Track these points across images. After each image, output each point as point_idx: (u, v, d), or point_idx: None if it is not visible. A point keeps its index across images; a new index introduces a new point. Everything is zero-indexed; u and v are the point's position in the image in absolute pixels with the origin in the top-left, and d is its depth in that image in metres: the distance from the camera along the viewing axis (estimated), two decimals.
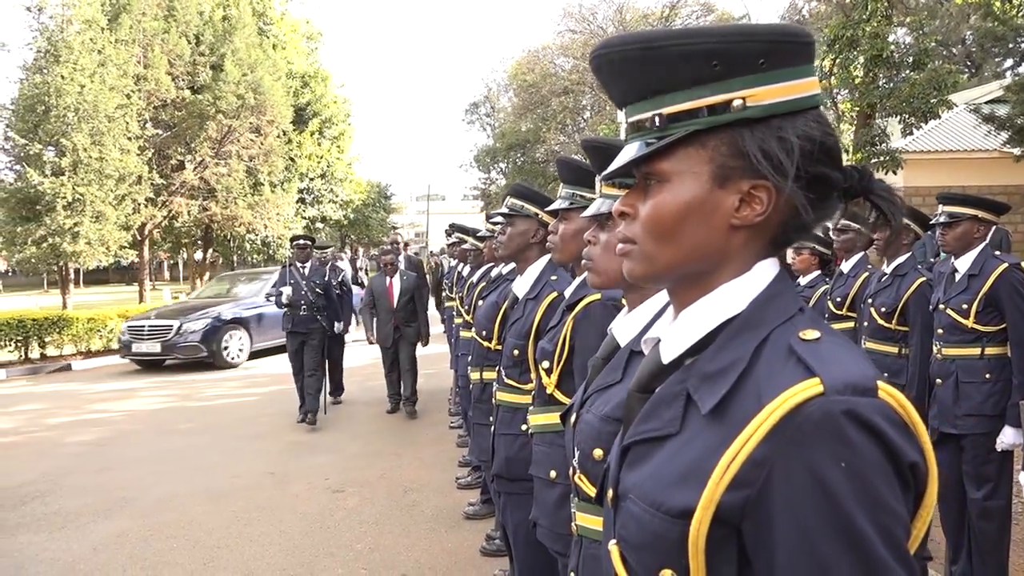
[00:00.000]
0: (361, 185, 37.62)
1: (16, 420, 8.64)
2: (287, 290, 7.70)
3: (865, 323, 3.95)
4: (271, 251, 27.59)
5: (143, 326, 12.09)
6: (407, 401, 8.01)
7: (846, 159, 7.17)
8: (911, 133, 14.34)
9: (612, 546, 0.91)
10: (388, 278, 8.00)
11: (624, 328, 1.41)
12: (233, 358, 12.16)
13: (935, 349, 3.41)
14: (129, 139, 18.75)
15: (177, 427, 8.01)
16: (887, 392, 0.76)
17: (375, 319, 8.04)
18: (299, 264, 7.89)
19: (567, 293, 2.10)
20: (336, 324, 8.22)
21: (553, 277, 2.47)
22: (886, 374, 3.70)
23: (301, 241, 8.09)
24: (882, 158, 12.91)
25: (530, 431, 2.14)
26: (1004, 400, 3.17)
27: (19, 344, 12.59)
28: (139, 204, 19.79)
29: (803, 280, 4.99)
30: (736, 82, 0.85)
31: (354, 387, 9.39)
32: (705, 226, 0.88)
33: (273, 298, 7.98)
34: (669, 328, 0.95)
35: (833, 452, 0.73)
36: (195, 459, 6.70)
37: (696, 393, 0.84)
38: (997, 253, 3.38)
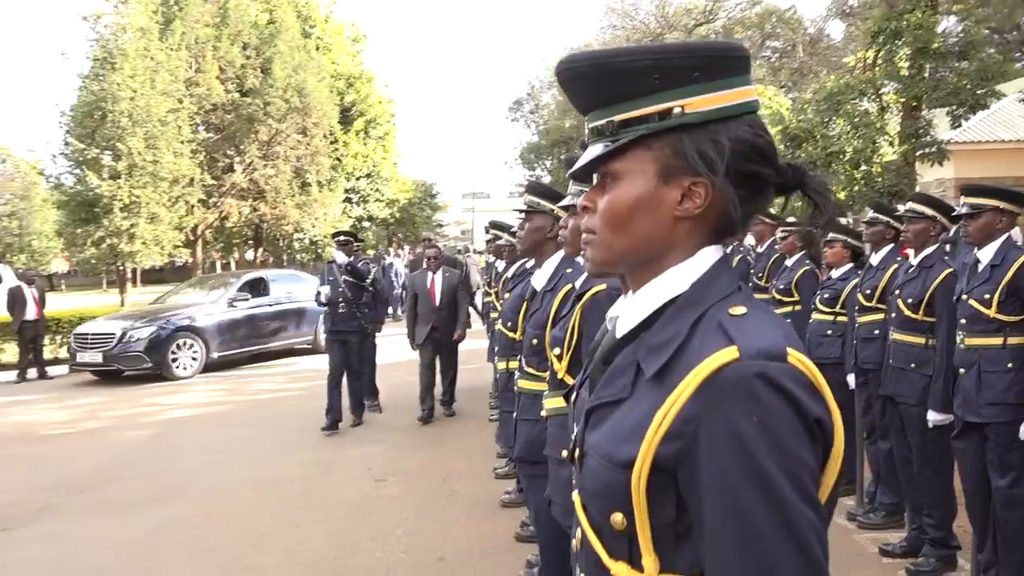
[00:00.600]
0: (407, 184, 38.04)
1: (76, 413, 9.04)
2: (325, 289, 7.49)
3: (893, 314, 3.98)
4: (319, 250, 28.10)
5: (87, 333, 11.12)
6: (444, 403, 7.78)
7: (891, 151, 7.19)
8: (959, 125, 14.07)
9: (575, 496, 1.04)
10: (431, 274, 7.71)
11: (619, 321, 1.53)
12: (183, 370, 11.03)
13: (959, 339, 3.44)
14: (181, 142, 19.32)
15: (226, 420, 8.32)
16: (796, 358, 0.87)
17: (417, 318, 7.71)
18: (339, 261, 7.63)
19: (578, 284, 2.22)
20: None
21: (568, 270, 2.58)
22: (913, 364, 3.76)
23: (342, 237, 7.84)
24: (928, 150, 12.69)
25: (545, 414, 2.27)
26: None
27: None
28: (192, 205, 20.38)
29: (835, 273, 5.02)
30: (675, 93, 0.97)
31: (399, 382, 9.54)
32: (653, 217, 1.00)
33: (321, 297, 7.65)
34: (625, 307, 1.07)
35: (747, 408, 0.84)
36: (243, 450, 6.97)
37: (643, 362, 0.96)
38: (1019, 243, 3.40)
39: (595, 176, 1.08)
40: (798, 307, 5.48)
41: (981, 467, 3.40)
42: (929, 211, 3.84)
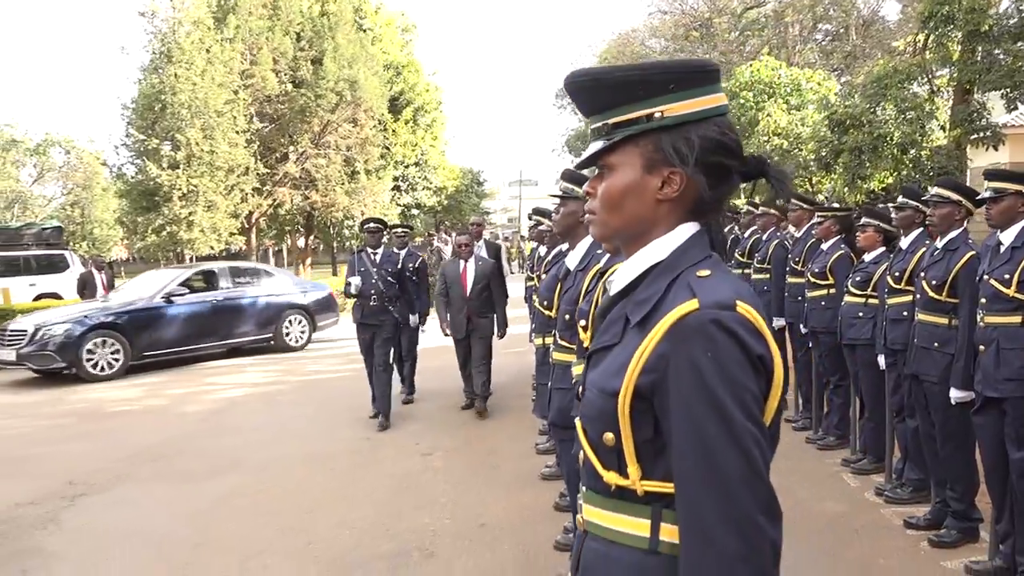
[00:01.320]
0: (454, 171, 38.42)
1: (141, 391, 9.56)
2: (356, 280, 7.04)
3: (919, 296, 4.12)
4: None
5: (4, 328, 10.59)
6: (479, 399, 7.38)
7: (943, 136, 7.28)
8: (1015, 108, 13.80)
9: (577, 422, 1.28)
10: (462, 263, 7.34)
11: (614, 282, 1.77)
12: (101, 370, 10.25)
13: (979, 318, 3.57)
14: (237, 133, 19.92)
15: (281, 399, 8.72)
16: (743, 308, 1.11)
17: (448, 308, 7.47)
18: (370, 250, 7.21)
19: (603, 263, 2.44)
20: (411, 317, 7.76)
21: (599, 251, 2.80)
22: (936, 343, 3.89)
23: (371, 225, 7.35)
24: (982, 134, 12.50)
25: (574, 381, 2.50)
26: None
27: None
28: (246, 194, 21.01)
29: (868, 256, 5.13)
30: (656, 101, 1.22)
31: (444, 364, 9.74)
32: (640, 200, 1.25)
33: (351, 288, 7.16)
34: (619, 271, 1.31)
35: (703, 346, 1.09)
36: (297, 427, 7.34)
37: (630, 314, 1.22)
38: None
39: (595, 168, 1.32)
40: (832, 290, 5.59)
41: (999, 441, 3.53)
42: (954, 196, 3.96)
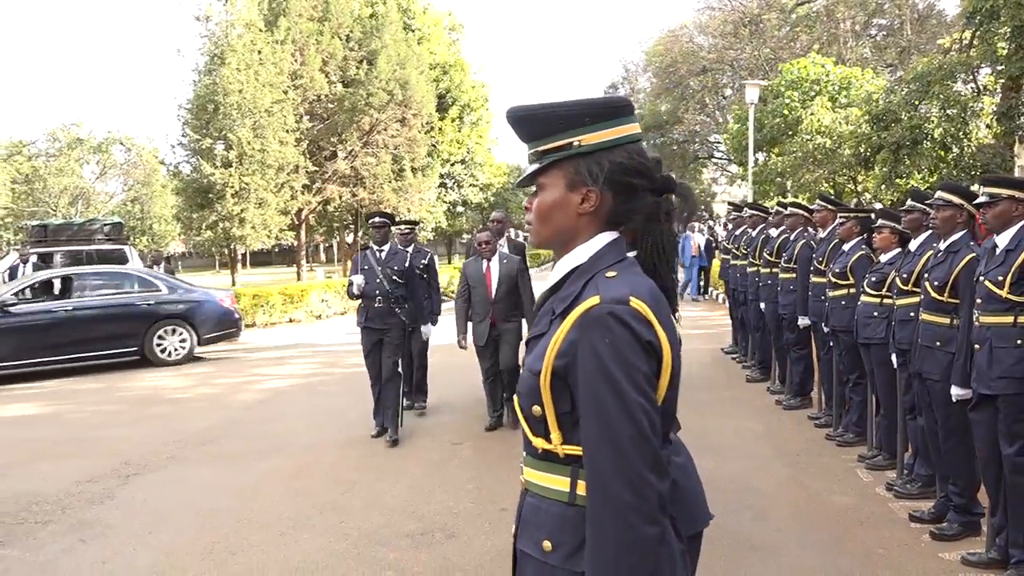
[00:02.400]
0: (501, 168, 38.76)
1: (192, 380, 10.05)
2: (358, 279, 6.47)
3: (923, 296, 4.25)
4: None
5: None
6: (508, 409, 6.73)
7: (988, 132, 7.35)
8: None
9: (515, 398, 1.53)
10: (485, 262, 6.71)
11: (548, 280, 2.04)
12: None
13: (975, 317, 3.70)
14: (287, 132, 20.51)
15: (323, 389, 9.10)
16: (635, 303, 1.36)
17: (469, 313, 6.82)
18: (375, 247, 6.66)
19: None
20: (423, 328, 7.26)
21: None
22: (939, 343, 4.03)
23: (376, 219, 6.82)
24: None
25: None
26: None
27: None
28: (296, 191, 21.60)
29: (883, 257, 5.25)
30: (574, 132, 1.47)
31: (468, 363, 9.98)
32: (564, 214, 1.51)
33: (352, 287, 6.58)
34: (552, 272, 1.56)
35: (602, 334, 1.34)
36: (337, 415, 7.69)
37: (556, 308, 1.48)
38: None
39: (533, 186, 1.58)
40: (852, 290, 5.71)
41: (993, 436, 3.66)
42: (956, 199, 4.09)
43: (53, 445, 6.88)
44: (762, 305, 7.87)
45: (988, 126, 13.17)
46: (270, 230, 20.26)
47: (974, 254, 3.94)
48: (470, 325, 6.82)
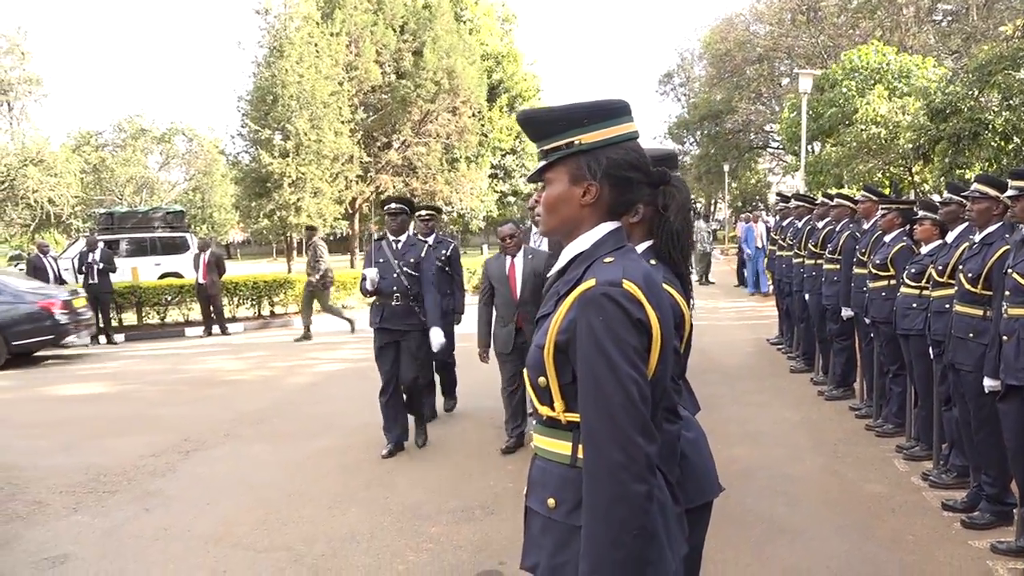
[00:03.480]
0: None
1: (248, 363, 10.46)
2: (371, 272, 5.71)
3: (957, 288, 4.28)
4: (466, 222, 29.43)
5: None
6: (515, 427, 6.00)
7: None
8: None
9: (525, 371, 1.69)
10: (508, 259, 5.84)
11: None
12: None
13: (1003, 309, 3.73)
14: (342, 123, 20.97)
15: (372, 374, 9.16)
16: (628, 285, 1.51)
17: (493, 317, 5.97)
18: (392, 237, 5.88)
19: None
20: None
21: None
22: (971, 334, 4.07)
23: (393, 206, 5.92)
24: None
25: None
26: None
27: (254, 302, 14.79)
28: (350, 181, 22.08)
29: (924, 249, 5.25)
30: (574, 132, 1.63)
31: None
32: (568, 206, 1.66)
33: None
34: (560, 258, 1.72)
35: (597, 312, 1.49)
36: None
37: (560, 290, 1.63)
38: None
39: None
40: (893, 281, 5.71)
41: (1021, 426, 3.70)
42: (992, 191, 4.11)
43: (118, 421, 7.29)
44: (806, 296, 7.88)
45: None
46: (325, 219, 20.75)
47: (1008, 246, 3.96)
48: (493, 322, 5.99)
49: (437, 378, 7.02)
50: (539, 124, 1.68)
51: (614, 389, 1.46)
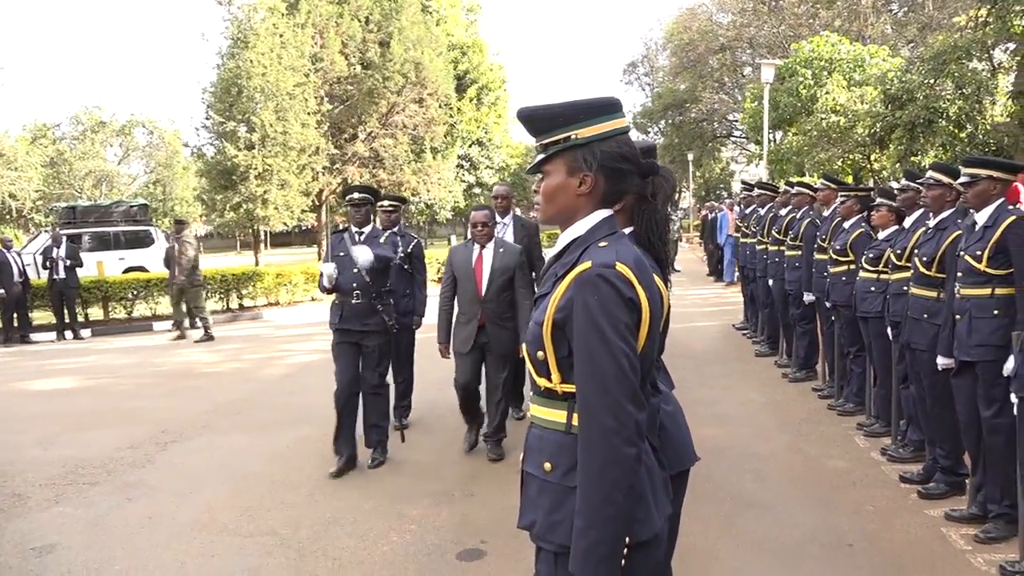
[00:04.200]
0: (519, 149, 38.92)
1: (222, 355, 10.47)
2: (328, 268, 5.24)
3: (912, 271, 4.51)
4: (434, 213, 29.45)
5: None
6: (490, 437, 5.52)
7: (1003, 110, 7.61)
8: None
9: (524, 347, 1.83)
10: (477, 248, 5.39)
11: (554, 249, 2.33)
12: None
13: (956, 290, 3.96)
14: (308, 114, 20.87)
15: None
16: (620, 266, 1.64)
17: (456, 312, 5.53)
18: (355, 229, 5.39)
19: None
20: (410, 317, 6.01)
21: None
22: (926, 315, 4.29)
23: (356, 195, 5.46)
24: None
25: None
26: (1009, 332, 3.69)
27: (222, 295, 14.74)
28: (317, 172, 22.01)
29: (881, 234, 5.48)
30: (570, 127, 1.76)
31: None
32: (565, 195, 1.79)
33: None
34: (557, 242, 1.85)
35: (592, 292, 1.63)
36: None
37: (558, 272, 1.76)
38: (1010, 207, 3.86)
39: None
40: (852, 266, 5.95)
41: (973, 401, 3.93)
42: (945, 179, 4.33)
43: (94, 415, 7.29)
44: (770, 282, 8.12)
45: (1006, 103, 13.21)
46: (292, 211, 20.68)
47: (960, 231, 4.18)
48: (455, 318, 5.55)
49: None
50: (539, 120, 1.81)
51: (607, 361, 1.60)
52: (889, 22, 32.76)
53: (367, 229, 5.42)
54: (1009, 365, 3.65)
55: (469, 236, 5.57)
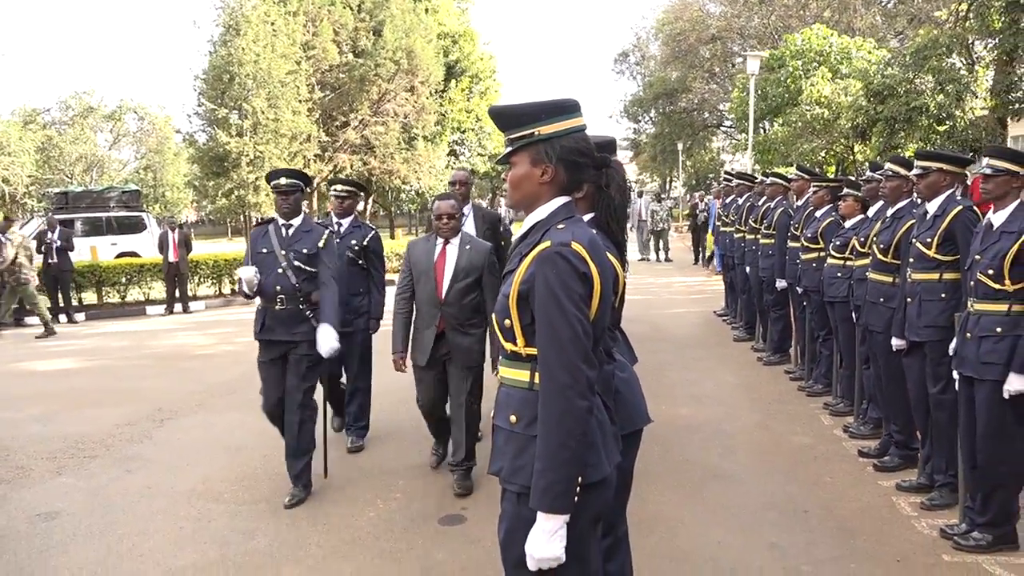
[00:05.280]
0: None
1: (215, 338, 10.70)
2: (247, 272, 4.43)
3: (871, 257, 4.78)
4: (424, 201, 29.62)
5: None
6: (457, 467, 4.68)
7: (983, 104, 7.91)
8: None
9: (493, 316, 2.09)
10: (441, 244, 4.63)
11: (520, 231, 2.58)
12: None
13: (907, 275, 4.23)
14: (300, 102, 21.00)
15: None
16: (575, 245, 1.90)
17: (415, 316, 4.75)
18: (281, 221, 4.60)
19: None
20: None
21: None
22: (882, 299, 4.57)
23: (282, 181, 4.56)
24: (1018, 105, 12.66)
25: None
26: (954, 314, 3.97)
27: (214, 281, 14.95)
28: (309, 160, 22.13)
29: (848, 223, 5.75)
30: (533, 124, 2.01)
31: None
32: (529, 184, 2.05)
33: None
34: (523, 225, 2.11)
35: (551, 267, 1.89)
36: None
37: (523, 251, 2.02)
38: (958, 198, 4.13)
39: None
40: (822, 253, 6.22)
41: (922, 378, 4.21)
42: (902, 170, 4.60)
43: (91, 394, 7.52)
44: (747, 269, 8.40)
45: (984, 98, 13.48)
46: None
47: (914, 220, 4.45)
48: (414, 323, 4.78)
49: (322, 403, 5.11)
50: (506, 117, 2.07)
51: (563, 326, 1.86)
52: (879, 14, 33.03)
53: (297, 220, 4.60)
54: (953, 344, 3.93)
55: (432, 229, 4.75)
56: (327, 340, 4.45)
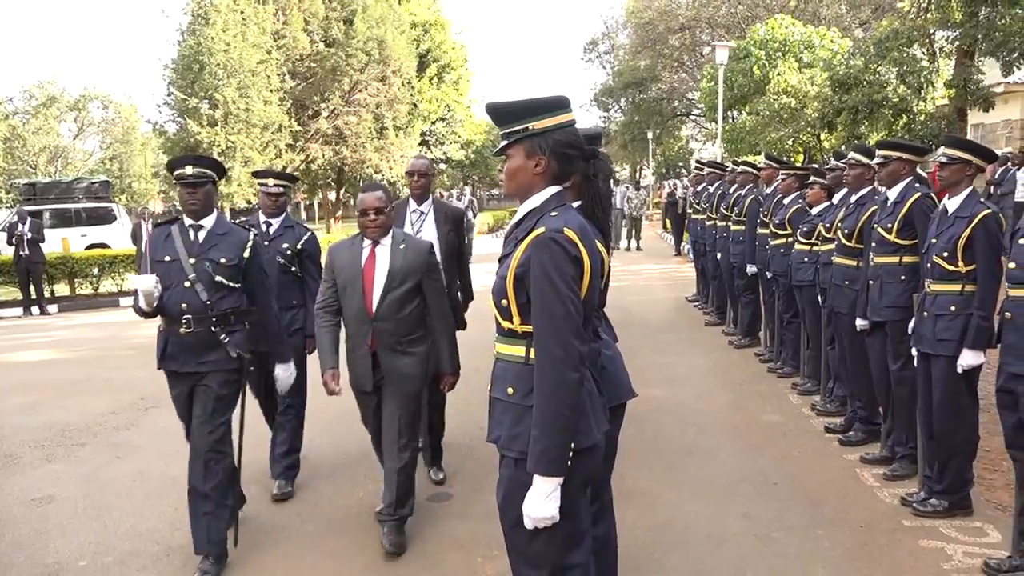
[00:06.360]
0: (480, 127, 39.11)
1: None
2: (145, 282, 3.52)
3: (836, 242, 5.02)
4: (396, 190, 29.61)
5: None
6: (384, 518, 3.90)
7: (942, 94, 8.20)
8: (1011, 72, 14.30)
9: (490, 297, 2.26)
10: (369, 246, 3.79)
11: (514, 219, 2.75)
12: None
13: (870, 258, 4.47)
14: (271, 92, 20.94)
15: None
16: (567, 231, 2.07)
17: (344, 336, 3.91)
18: (187, 222, 3.71)
19: None
20: (281, 368, 4.14)
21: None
22: (847, 281, 4.80)
23: (189, 171, 3.62)
24: (973, 97, 13.06)
25: None
26: (912, 295, 4.21)
27: None
28: (280, 150, 22.08)
29: (814, 210, 5.99)
30: (527, 119, 2.18)
31: None
32: (524, 175, 2.21)
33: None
34: (518, 212, 2.28)
35: (545, 251, 2.06)
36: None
37: (518, 236, 2.18)
38: (917, 185, 4.38)
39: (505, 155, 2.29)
40: (791, 239, 6.46)
41: (884, 356, 4.46)
42: (864, 159, 4.84)
43: (74, 384, 7.58)
44: (718, 255, 8.65)
45: (945, 87, 13.86)
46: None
47: (876, 207, 4.68)
48: (344, 354, 3.94)
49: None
50: (503, 113, 2.23)
51: (556, 304, 2.04)
52: (844, 3, 33.51)
53: (208, 220, 3.72)
54: (912, 323, 4.17)
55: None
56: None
